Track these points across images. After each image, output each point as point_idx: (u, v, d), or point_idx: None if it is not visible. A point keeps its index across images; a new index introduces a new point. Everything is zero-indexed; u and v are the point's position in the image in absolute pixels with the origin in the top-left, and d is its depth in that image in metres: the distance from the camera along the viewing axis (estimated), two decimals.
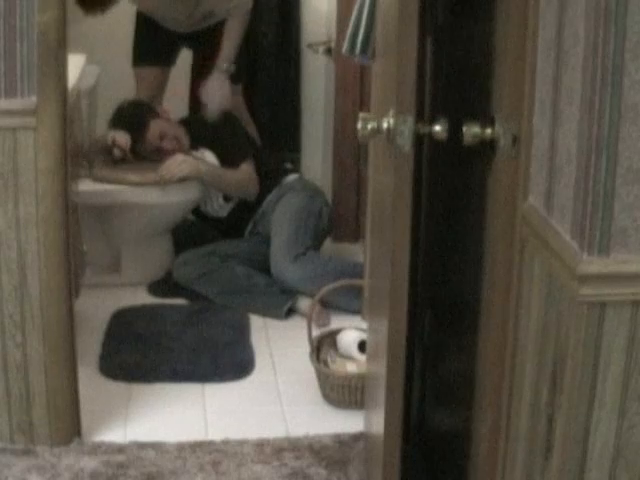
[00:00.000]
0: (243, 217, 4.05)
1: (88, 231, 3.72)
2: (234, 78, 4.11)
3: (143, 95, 4.26)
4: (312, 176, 4.45)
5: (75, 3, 3.90)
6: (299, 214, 3.90)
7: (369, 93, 3.18)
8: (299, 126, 4.64)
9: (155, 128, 3.99)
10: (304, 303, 3.64)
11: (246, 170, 3.96)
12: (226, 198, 4.02)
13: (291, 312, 3.70)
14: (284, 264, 3.73)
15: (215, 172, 3.91)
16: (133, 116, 4.01)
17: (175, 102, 4.46)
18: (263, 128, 4.55)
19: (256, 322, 3.64)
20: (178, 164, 3.79)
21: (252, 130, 4.33)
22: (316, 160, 4.59)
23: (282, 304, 3.69)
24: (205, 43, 4.18)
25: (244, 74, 4.26)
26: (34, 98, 2.47)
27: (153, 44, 4.24)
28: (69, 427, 2.75)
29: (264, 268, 3.83)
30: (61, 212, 2.57)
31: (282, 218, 3.89)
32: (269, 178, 4.04)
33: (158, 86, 4.31)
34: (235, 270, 3.80)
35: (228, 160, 3.97)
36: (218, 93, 4.05)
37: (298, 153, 4.65)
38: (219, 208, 4.03)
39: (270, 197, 4.00)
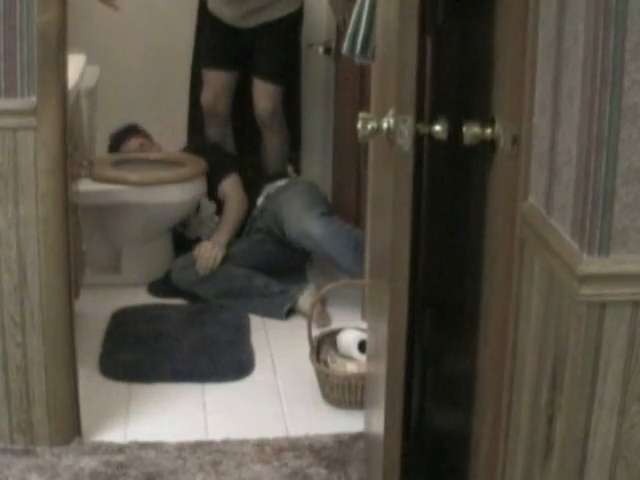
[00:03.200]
0: None
1: (88, 231, 3.72)
2: (276, 80, 4.23)
3: (207, 96, 4.34)
4: (312, 176, 4.46)
5: None
6: (309, 191, 3.97)
7: (369, 93, 3.18)
8: (299, 126, 4.64)
9: (134, 144, 4.18)
10: (304, 303, 3.64)
11: (229, 188, 4.03)
12: (218, 210, 4.06)
13: (291, 312, 3.70)
14: (311, 220, 3.73)
15: (230, 228, 3.94)
16: (117, 133, 4.25)
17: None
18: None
19: (256, 322, 3.64)
20: (210, 252, 3.81)
21: (284, 133, 4.40)
22: (316, 160, 4.58)
23: (282, 305, 3.69)
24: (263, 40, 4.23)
25: (285, 76, 4.31)
26: (34, 98, 2.47)
27: (221, 47, 4.27)
28: (69, 427, 2.75)
29: (263, 268, 3.83)
30: (61, 212, 2.57)
31: (293, 196, 3.91)
32: (257, 180, 4.11)
33: (223, 89, 4.35)
34: (233, 272, 3.80)
35: (211, 179, 4.05)
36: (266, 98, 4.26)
37: (298, 153, 4.64)
38: (214, 225, 4.05)
39: (264, 197, 4.02)
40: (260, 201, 4.03)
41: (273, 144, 4.37)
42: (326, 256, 3.75)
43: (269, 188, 4.05)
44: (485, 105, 1.99)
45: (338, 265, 3.73)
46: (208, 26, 4.31)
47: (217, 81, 4.32)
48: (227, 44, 4.25)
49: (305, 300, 3.66)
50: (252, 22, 4.18)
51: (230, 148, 4.50)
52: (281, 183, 4.07)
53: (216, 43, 4.28)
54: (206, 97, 4.35)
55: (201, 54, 4.44)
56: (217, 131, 4.43)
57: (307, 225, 3.73)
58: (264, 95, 4.24)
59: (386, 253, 2.07)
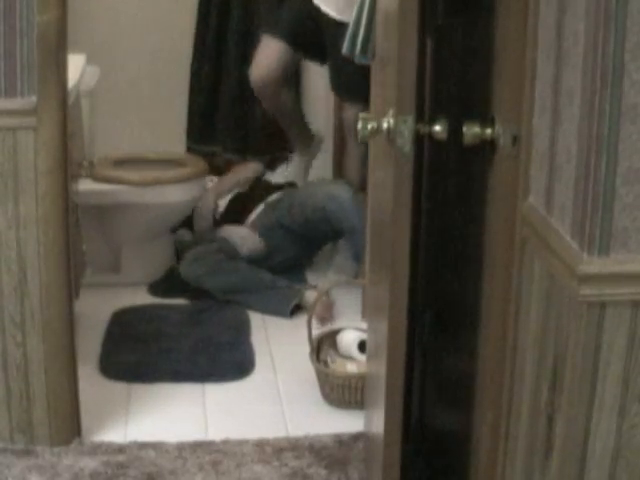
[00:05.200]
0: (238, 209, 4.12)
1: (88, 231, 3.72)
2: (359, 99, 3.68)
3: (258, 66, 3.96)
4: (312, 175, 4.46)
5: None
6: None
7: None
8: None
9: None
10: (311, 297, 3.62)
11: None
12: None
13: (295, 310, 3.69)
14: (340, 186, 3.84)
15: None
16: None
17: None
18: (263, 128, 4.54)
19: (256, 321, 3.64)
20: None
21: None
22: (316, 159, 4.58)
23: (289, 300, 3.68)
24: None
25: (367, 92, 3.50)
26: (34, 98, 2.47)
27: (298, 25, 3.89)
28: (69, 427, 2.75)
29: (269, 265, 3.84)
30: (61, 212, 2.57)
31: (315, 183, 4.04)
32: (254, 193, 4.16)
33: (278, 61, 3.92)
34: (241, 266, 3.81)
35: None
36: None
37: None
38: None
39: (262, 206, 4.06)
40: (253, 216, 4.05)
41: (358, 152, 4.05)
42: (348, 222, 3.74)
43: (267, 200, 4.08)
44: (485, 105, 1.99)
45: (356, 234, 3.69)
46: (297, 4, 3.92)
47: (272, 51, 3.92)
48: (305, 27, 3.87)
49: (312, 296, 3.64)
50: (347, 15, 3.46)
51: (289, 102, 4.14)
52: (281, 193, 4.09)
53: (295, 22, 3.90)
54: (257, 66, 3.97)
55: (268, 21, 4.08)
56: (271, 105, 4.09)
57: (335, 189, 3.82)
58: (348, 107, 3.98)
59: (386, 253, 2.07)
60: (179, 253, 4.03)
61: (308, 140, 4.30)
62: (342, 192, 3.79)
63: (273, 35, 3.95)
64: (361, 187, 4.02)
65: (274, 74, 3.96)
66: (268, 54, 3.94)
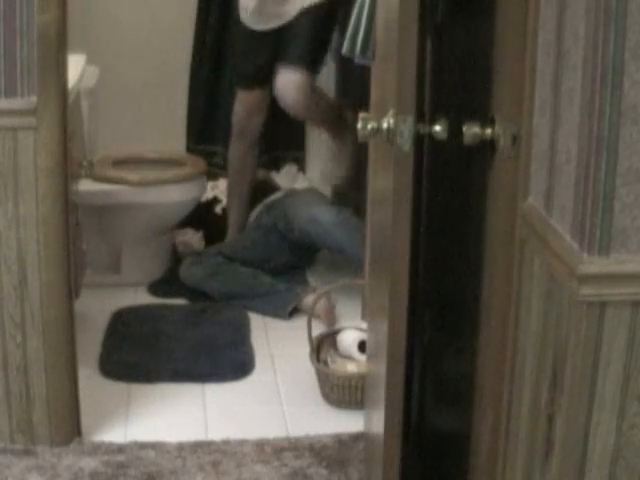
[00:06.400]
0: None
1: (88, 231, 3.72)
2: (303, 64, 3.74)
3: (240, 114, 4.07)
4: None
5: None
6: (315, 190, 4.06)
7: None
8: (303, 125, 4.64)
9: None
10: (311, 300, 3.62)
11: None
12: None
13: (294, 312, 3.69)
14: (321, 207, 3.78)
15: None
16: None
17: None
18: (266, 127, 4.53)
19: (256, 322, 3.64)
20: None
21: (337, 129, 4.08)
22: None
23: (288, 303, 3.68)
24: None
25: (314, 61, 3.78)
26: (34, 98, 2.47)
27: (251, 65, 3.98)
28: (69, 427, 2.75)
29: (264, 266, 3.84)
30: (61, 212, 2.57)
31: (302, 193, 4.00)
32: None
33: (257, 106, 4.04)
34: (240, 270, 3.81)
35: None
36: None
37: (302, 152, 4.65)
38: None
39: (261, 207, 4.07)
40: (254, 214, 4.05)
41: (330, 143, 4.09)
42: (334, 244, 3.75)
43: (266, 201, 4.07)
44: (485, 105, 1.99)
45: (346, 253, 3.72)
46: (240, 42, 4.04)
47: (251, 100, 4.05)
48: (259, 59, 3.93)
49: (311, 299, 3.64)
50: (285, 16, 3.76)
51: (251, 169, 4.23)
52: (279, 194, 4.09)
53: (248, 61, 3.99)
54: (239, 115, 4.08)
55: (234, 73, 4.22)
56: (243, 150, 4.15)
57: (317, 212, 3.76)
58: (288, 87, 3.77)
59: (386, 253, 2.07)
60: (178, 256, 4.03)
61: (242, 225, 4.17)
62: (325, 215, 3.75)
63: (241, 89, 4.05)
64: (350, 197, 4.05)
65: (256, 120, 4.08)
66: (245, 105, 4.05)
